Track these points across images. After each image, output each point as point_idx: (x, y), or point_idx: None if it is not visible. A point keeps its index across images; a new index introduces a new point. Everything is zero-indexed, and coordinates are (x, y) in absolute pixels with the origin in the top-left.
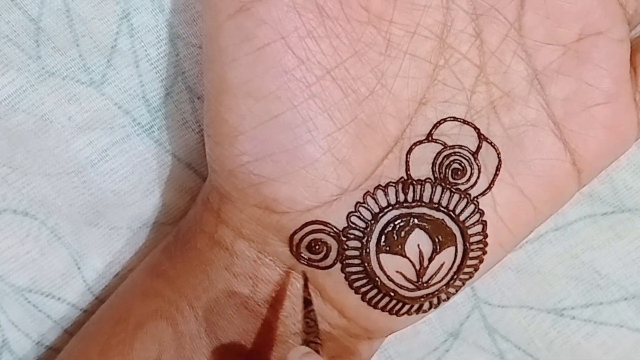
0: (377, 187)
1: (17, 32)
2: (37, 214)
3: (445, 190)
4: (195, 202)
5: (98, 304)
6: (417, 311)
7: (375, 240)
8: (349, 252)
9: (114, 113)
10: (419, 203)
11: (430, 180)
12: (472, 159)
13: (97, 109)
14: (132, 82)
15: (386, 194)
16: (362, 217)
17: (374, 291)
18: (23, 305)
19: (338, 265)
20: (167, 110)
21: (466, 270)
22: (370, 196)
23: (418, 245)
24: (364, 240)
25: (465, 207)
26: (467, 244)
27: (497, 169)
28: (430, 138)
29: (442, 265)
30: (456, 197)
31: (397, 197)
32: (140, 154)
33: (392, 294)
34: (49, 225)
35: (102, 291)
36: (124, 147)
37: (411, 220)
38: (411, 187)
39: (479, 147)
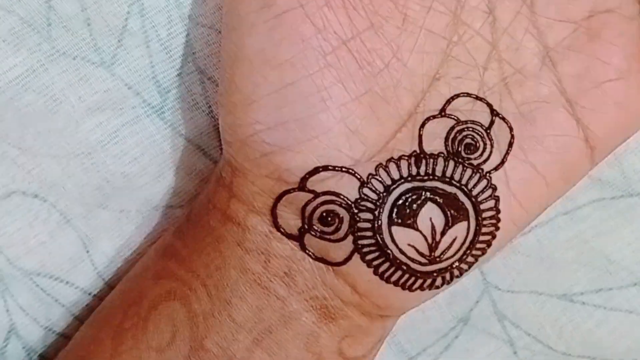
0: (390, 160)
1: (29, 12)
2: (46, 196)
3: (457, 164)
4: (208, 181)
5: (107, 289)
6: (430, 286)
7: (387, 213)
8: (361, 224)
9: (125, 94)
10: (431, 177)
11: (442, 155)
12: (485, 135)
13: (107, 90)
14: (142, 63)
15: (399, 167)
16: (374, 189)
17: (386, 264)
18: (31, 289)
19: (350, 238)
20: (177, 91)
21: (479, 245)
22: (383, 168)
23: (430, 219)
24: (375, 212)
25: (478, 182)
26: (480, 219)
27: (510, 144)
28: (443, 113)
29: (454, 239)
30: (469, 171)
31: (409, 170)
32: (151, 136)
33: (404, 267)
34: (58, 208)
35: (112, 275)
36: (134, 128)
37: (423, 194)
38: (424, 161)
39: (491, 123)
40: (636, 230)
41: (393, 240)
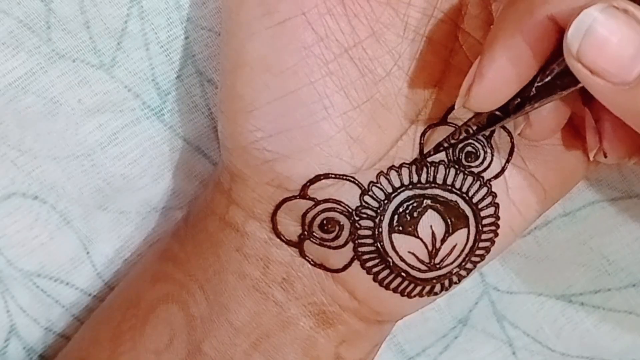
0: (391, 168)
1: (28, 14)
2: (46, 198)
3: (458, 172)
4: (206, 186)
5: (107, 290)
6: (429, 293)
7: (388, 220)
8: (362, 232)
9: (124, 96)
10: (432, 184)
11: (444, 163)
12: (485, 143)
13: (107, 92)
14: (142, 65)
15: (400, 175)
16: (375, 196)
17: (386, 272)
18: (32, 290)
19: (350, 245)
20: (177, 93)
21: (478, 252)
22: (384, 176)
23: (431, 226)
24: (376, 220)
25: (479, 189)
26: (480, 226)
27: (510, 153)
28: (444, 121)
29: (454, 247)
30: (469, 179)
31: (410, 178)
32: (150, 138)
33: (403, 274)
34: (58, 209)
35: (111, 276)
36: (133, 130)
37: (424, 201)
38: (425, 169)
39: (492, 131)
40: (635, 231)
41: (393, 248)
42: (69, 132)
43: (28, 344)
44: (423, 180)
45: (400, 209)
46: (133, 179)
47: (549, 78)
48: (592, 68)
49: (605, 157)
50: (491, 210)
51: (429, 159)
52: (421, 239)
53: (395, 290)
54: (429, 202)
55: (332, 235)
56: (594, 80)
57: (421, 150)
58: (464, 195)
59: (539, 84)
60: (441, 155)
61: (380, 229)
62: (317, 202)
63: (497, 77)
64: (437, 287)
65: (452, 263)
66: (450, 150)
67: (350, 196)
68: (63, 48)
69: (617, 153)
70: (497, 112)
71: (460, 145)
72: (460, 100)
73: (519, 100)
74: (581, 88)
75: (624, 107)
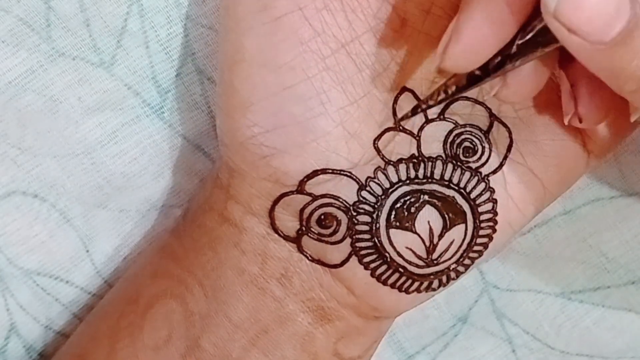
0: (388, 163)
1: (28, 12)
2: (46, 196)
3: (456, 167)
4: (205, 181)
5: (107, 288)
6: (427, 289)
7: (386, 216)
8: (359, 227)
9: (124, 94)
10: (429, 180)
11: (441, 158)
12: (483, 138)
13: (106, 90)
14: (142, 63)
15: (397, 170)
16: (372, 192)
17: (384, 267)
18: (31, 288)
19: (348, 241)
20: (177, 91)
21: (476, 248)
22: (381, 171)
23: (428, 222)
24: (374, 215)
25: (476, 185)
26: (477, 222)
27: (509, 148)
28: (442, 116)
29: (452, 242)
30: (467, 174)
31: (407, 173)
32: (150, 136)
33: (401, 270)
34: (58, 208)
35: (111, 274)
36: (133, 128)
37: (422, 197)
38: (422, 164)
39: (490, 127)
40: (634, 228)
41: (391, 243)
42: (69, 130)
43: (28, 342)
44: (420, 175)
45: (398, 205)
46: (133, 177)
47: (530, 35)
48: (569, 27)
49: (580, 122)
50: (489, 206)
51: (426, 154)
52: (418, 235)
53: (392, 285)
54: (426, 197)
55: (330, 230)
56: (571, 38)
57: (418, 145)
58: (462, 190)
59: (520, 41)
60: (439, 150)
61: (377, 225)
62: (315, 198)
63: (474, 36)
64: (435, 283)
65: (449, 259)
66: (448, 145)
67: (347, 191)
68: (63, 46)
69: (592, 118)
70: (476, 72)
71: (458, 140)
72: (436, 61)
73: (499, 59)
74: (561, 48)
75: (600, 65)
